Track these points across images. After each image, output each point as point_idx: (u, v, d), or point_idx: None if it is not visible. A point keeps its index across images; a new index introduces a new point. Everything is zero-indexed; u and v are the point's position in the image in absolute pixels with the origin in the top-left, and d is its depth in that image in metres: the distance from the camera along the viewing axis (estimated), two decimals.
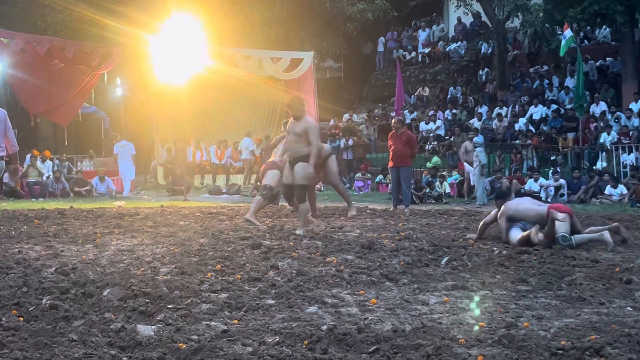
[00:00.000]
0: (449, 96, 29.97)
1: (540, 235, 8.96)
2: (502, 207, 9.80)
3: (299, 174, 10.50)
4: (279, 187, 12.54)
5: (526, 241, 9.05)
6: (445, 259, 8.10)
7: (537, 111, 25.06)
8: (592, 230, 9.51)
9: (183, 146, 23.25)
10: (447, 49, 33.07)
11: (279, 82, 25.73)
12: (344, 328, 4.91)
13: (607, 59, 27.51)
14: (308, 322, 5.17)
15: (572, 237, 9.08)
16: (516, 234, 9.34)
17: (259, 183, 22.40)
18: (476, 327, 5.04)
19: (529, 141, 22.99)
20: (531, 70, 29.36)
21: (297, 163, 10.52)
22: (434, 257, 8.26)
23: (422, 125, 27.05)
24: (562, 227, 9.17)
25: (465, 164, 19.10)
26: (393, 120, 16.60)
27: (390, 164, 15.90)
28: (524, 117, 24.89)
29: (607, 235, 9.20)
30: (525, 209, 9.77)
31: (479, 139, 19.03)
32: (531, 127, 24.21)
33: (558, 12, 23.21)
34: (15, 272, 6.87)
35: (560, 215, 9.18)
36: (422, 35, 34.65)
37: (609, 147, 21.16)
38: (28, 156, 22.43)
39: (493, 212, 10.13)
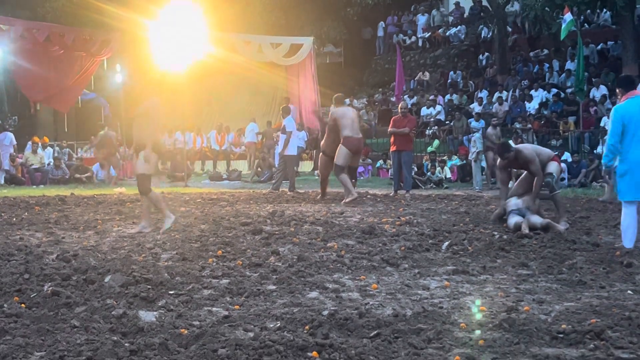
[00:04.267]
0: (449, 81, 29.90)
1: (527, 230, 8.93)
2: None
3: (139, 163, 9.35)
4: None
5: (518, 229, 9.01)
6: (446, 243, 8.11)
7: (538, 95, 25.01)
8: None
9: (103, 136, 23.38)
10: (447, 34, 32.97)
11: (279, 67, 25.71)
12: (345, 313, 4.92)
13: (608, 42, 27.43)
14: (309, 308, 5.18)
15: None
16: (512, 220, 9.32)
17: (259, 169, 22.49)
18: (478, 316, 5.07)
19: (530, 125, 22.98)
20: (531, 54, 29.28)
21: (140, 150, 9.40)
22: (435, 242, 8.27)
23: (423, 110, 27.01)
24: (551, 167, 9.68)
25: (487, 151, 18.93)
26: (401, 105, 16.63)
27: (392, 148, 15.89)
28: (530, 101, 24.80)
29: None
30: (541, 149, 10.43)
31: (477, 124, 19.00)
32: (532, 111, 24.20)
33: None
34: (17, 259, 6.90)
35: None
36: (421, 19, 34.51)
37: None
38: (29, 143, 22.44)
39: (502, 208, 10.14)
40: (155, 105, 9.47)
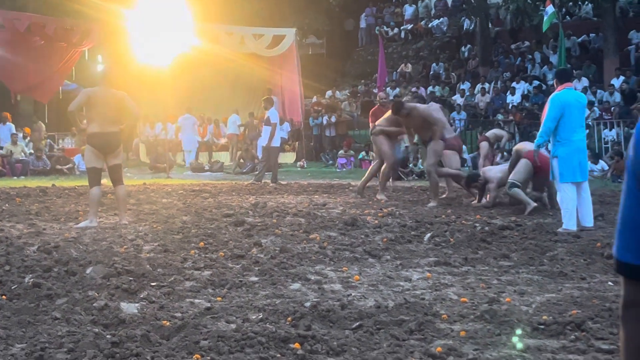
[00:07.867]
0: (431, 72, 29.95)
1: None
2: None
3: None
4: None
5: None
6: (428, 235, 8.13)
7: (520, 87, 25.10)
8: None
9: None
10: (429, 25, 32.99)
11: (261, 59, 25.62)
12: (327, 304, 4.93)
13: (590, 34, 27.54)
14: (292, 299, 5.19)
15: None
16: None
17: (241, 160, 22.45)
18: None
19: (511, 117, 23.05)
20: (513, 46, 29.37)
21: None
22: (417, 234, 8.29)
23: None
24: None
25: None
26: (380, 95, 16.49)
27: None
28: (513, 94, 24.87)
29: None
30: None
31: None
32: (514, 103, 24.30)
33: None
34: None
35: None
36: (409, 10, 34.42)
37: (590, 123, 21.22)
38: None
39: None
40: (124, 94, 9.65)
